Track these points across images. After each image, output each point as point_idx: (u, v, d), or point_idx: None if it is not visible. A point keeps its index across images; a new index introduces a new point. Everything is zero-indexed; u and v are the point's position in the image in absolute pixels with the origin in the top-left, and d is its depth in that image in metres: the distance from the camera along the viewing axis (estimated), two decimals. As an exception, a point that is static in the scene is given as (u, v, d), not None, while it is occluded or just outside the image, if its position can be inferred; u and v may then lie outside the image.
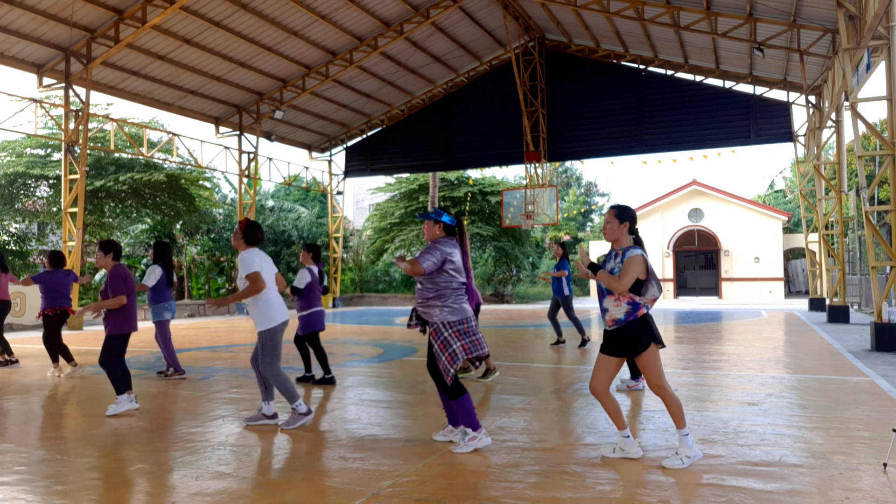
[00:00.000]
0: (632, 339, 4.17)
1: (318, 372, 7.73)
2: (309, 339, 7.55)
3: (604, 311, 4.28)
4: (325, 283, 7.84)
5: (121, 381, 6.07)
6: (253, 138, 23.19)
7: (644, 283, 4.19)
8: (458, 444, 4.59)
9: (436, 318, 4.58)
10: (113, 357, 6.08)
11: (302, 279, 7.38)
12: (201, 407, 6.27)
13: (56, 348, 8.36)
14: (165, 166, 23.77)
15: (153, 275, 8.01)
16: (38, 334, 14.48)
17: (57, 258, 8.83)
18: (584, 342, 10.83)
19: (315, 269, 7.56)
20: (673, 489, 3.74)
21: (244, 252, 5.36)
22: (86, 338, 13.76)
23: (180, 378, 7.97)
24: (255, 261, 5.30)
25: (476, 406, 6.21)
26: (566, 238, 37.22)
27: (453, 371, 4.51)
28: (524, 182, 25.32)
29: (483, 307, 25.93)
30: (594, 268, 4.22)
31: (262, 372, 5.38)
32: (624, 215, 4.31)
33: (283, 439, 4.99)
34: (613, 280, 4.16)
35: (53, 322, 8.45)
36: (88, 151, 18.51)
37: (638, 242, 4.32)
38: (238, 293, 5.25)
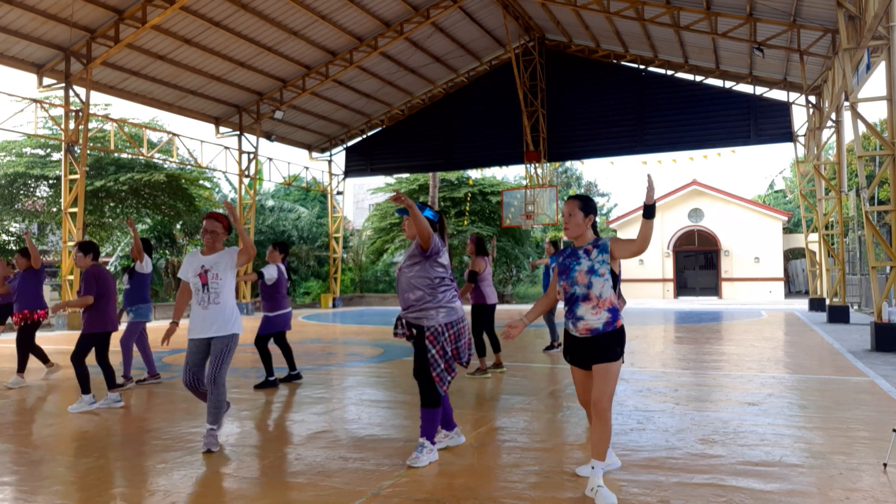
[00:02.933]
0: (604, 350, 3.61)
1: (274, 375, 7.47)
2: (277, 337, 7.50)
3: (577, 318, 3.64)
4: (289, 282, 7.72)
5: (84, 380, 6.11)
6: (253, 138, 23.19)
7: (619, 280, 3.72)
8: (416, 457, 4.21)
9: (433, 320, 4.28)
10: (80, 354, 6.14)
11: (272, 273, 7.32)
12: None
13: (30, 352, 7.93)
14: (165, 166, 23.77)
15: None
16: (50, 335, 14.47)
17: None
18: (552, 346, 10.75)
19: (283, 268, 7.55)
20: (673, 489, 3.74)
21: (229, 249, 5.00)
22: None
23: (130, 386, 7.47)
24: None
25: (476, 406, 6.21)
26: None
27: (450, 379, 4.35)
28: (524, 182, 25.32)
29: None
30: (649, 210, 3.48)
31: (218, 379, 4.67)
32: (589, 207, 3.73)
33: (283, 439, 4.99)
34: (643, 236, 3.52)
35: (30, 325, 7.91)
36: (88, 151, 18.52)
37: (596, 233, 3.79)
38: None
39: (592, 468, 3.60)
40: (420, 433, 4.33)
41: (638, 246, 3.58)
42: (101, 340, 6.29)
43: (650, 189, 3.45)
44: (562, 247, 10.49)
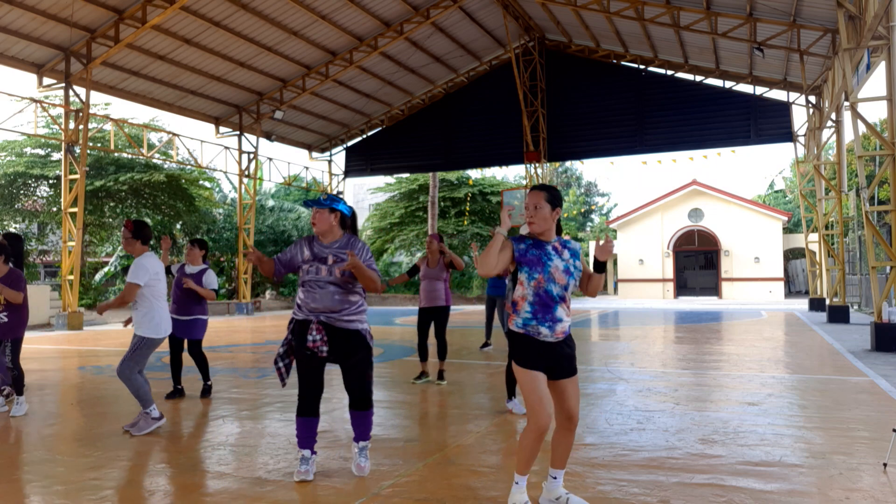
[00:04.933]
0: (573, 357, 3.41)
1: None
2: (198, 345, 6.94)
3: (556, 320, 3.33)
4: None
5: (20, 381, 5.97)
6: (253, 138, 23.19)
7: None
8: (363, 465, 4.09)
9: (364, 324, 4.07)
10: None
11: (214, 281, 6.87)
12: (201, 407, 6.27)
13: None
14: (165, 166, 23.78)
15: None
16: (44, 334, 14.48)
17: None
18: (486, 345, 10.77)
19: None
20: (673, 489, 3.74)
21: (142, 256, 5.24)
22: (85, 338, 13.76)
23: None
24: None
25: (476, 406, 6.21)
26: (566, 238, 37.13)
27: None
28: (524, 182, 25.32)
29: (483, 307, 25.92)
30: (600, 266, 3.42)
31: (120, 373, 5.16)
32: (556, 199, 3.43)
33: (282, 439, 4.99)
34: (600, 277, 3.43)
35: None
36: (88, 151, 18.53)
37: (559, 230, 3.54)
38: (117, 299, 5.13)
39: (554, 478, 3.44)
40: (360, 436, 4.12)
41: (586, 281, 3.50)
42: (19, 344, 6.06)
43: (608, 248, 3.37)
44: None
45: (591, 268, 3.46)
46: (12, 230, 24.66)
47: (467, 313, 20.65)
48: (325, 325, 3.95)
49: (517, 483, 3.31)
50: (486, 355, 10.08)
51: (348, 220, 4.10)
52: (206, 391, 6.80)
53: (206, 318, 6.84)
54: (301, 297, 4.04)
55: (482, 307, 25.93)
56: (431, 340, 7.67)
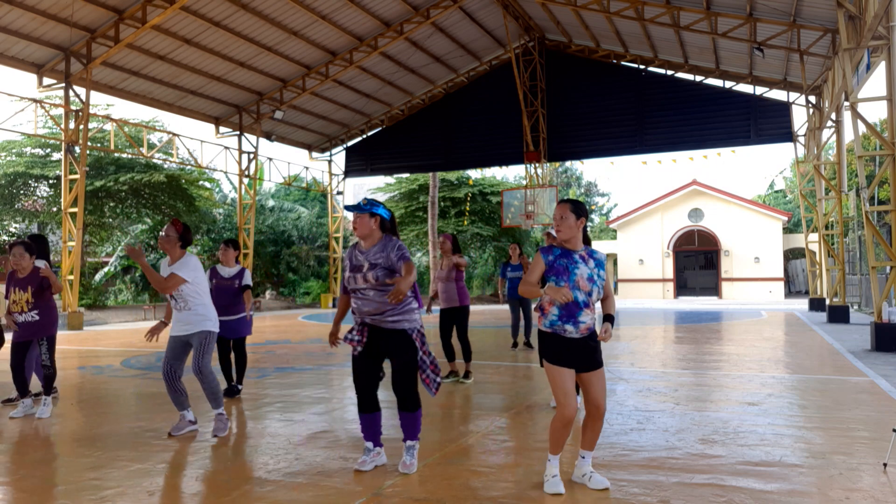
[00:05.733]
0: (598, 352, 3.73)
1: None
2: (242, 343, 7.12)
3: (579, 322, 3.67)
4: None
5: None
6: (253, 138, 23.20)
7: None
8: (409, 463, 4.13)
9: (414, 322, 4.12)
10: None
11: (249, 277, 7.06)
12: (201, 407, 6.27)
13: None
14: (165, 167, 23.78)
15: None
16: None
17: None
18: (516, 345, 10.77)
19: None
20: (673, 489, 3.74)
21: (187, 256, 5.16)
22: (85, 338, 13.76)
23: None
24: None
25: (476, 406, 6.21)
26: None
27: (439, 380, 4.23)
28: (524, 182, 25.32)
29: (483, 307, 25.93)
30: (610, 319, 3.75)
31: (203, 369, 5.17)
32: (580, 210, 3.78)
33: (283, 440, 4.99)
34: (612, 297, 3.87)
35: None
36: (88, 151, 18.53)
37: (587, 241, 3.86)
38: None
39: (583, 457, 3.83)
40: (410, 436, 4.19)
41: (610, 292, 3.88)
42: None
43: (607, 332, 3.68)
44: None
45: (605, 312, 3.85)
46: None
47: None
48: (371, 327, 4.13)
49: (549, 460, 3.79)
50: (491, 355, 10.08)
51: (387, 223, 4.22)
52: (236, 392, 6.83)
53: (246, 315, 6.97)
54: (352, 304, 4.23)
55: (483, 307, 25.94)
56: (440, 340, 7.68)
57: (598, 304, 3.85)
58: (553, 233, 5.47)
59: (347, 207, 4.18)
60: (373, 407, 4.23)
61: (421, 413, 4.21)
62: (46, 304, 5.95)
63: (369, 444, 4.25)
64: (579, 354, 3.68)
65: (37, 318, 5.89)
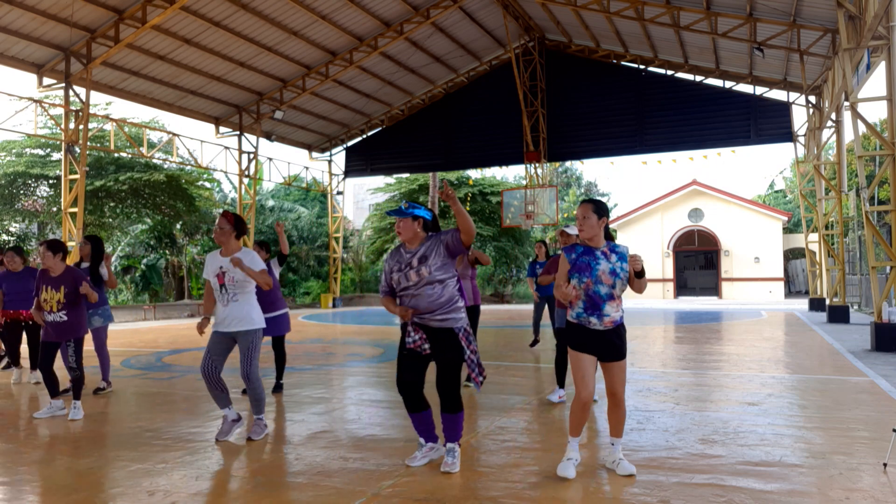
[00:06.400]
0: (621, 344, 3.97)
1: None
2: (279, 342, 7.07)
3: (603, 315, 3.90)
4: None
5: None
6: (253, 138, 23.20)
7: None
8: (450, 462, 4.11)
9: (461, 321, 4.12)
10: None
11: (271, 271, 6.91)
12: (201, 407, 6.27)
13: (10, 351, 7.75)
14: (165, 166, 23.78)
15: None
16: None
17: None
18: (536, 342, 10.73)
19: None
20: (673, 489, 3.74)
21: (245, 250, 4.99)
22: (86, 338, 13.74)
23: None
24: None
25: (476, 406, 6.21)
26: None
27: (483, 378, 4.20)
28: (524, 182, 25.33)
29: (483, 307, 25.94)
30: (638, 274, 3.93)
31: (251, 376, 4.92)
32: (602, 210, 3.99)
33: (283, 439, 4.99)
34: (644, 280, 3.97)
35: (11, 327, 7.64)
36: (88, 151, 18.52)
37: (610, 237, 4.07)
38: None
39: (612, 444, 4.10)
40: (451, 438, 4.15)
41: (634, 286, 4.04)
42: None
43: (635, 262, 3.91)
44: (550, 249, 9.76)
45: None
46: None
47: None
48: (422, 326, 4.11)
49: (569, 442, 4.05)
50: (494, 355, 10.08)
51: (430, 224, 4.20)
52: (279, 388, 6.92)
53: (286, 311, 6.97)
54: (399, 304, 4.20)
55: (493, 307, 25.93)
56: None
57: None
58: (568, 230, 5.56)
59: (389, 212, 4.17)
60: (421, 406, 4.21)
61: (463, 416, 4.17)
62: (78, 306, 5.84)
63: (422, 440, 4.29)
64: (602, 345, 3.94)
65: (65, 318, 5.77)
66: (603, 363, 3.99)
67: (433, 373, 4.18)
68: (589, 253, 3.96)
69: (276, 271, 7.04)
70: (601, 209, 3.98)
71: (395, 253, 4.22)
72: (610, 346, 3.94)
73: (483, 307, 25.90)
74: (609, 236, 4.06)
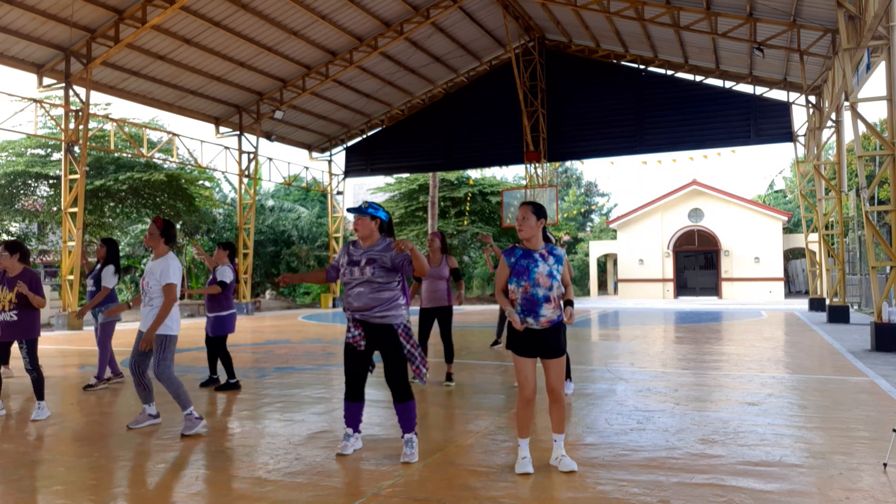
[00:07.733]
0: (558, 342, 4.07)
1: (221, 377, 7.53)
2: (219, 342, 7.20)
3: (540, 315, 4.00)
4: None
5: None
6: (253, 138, 23.20)
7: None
8: (409, 453, 4.33)
9: (401, 318, 4.40)
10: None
11: (227, 274, 7.13)
12: (201, 407, 6.27)
13: None
14: (165, 166, 23.77)
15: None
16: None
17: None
18: (497, 343, 10.83)
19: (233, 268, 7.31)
20: (673, 489, 3.74)
21: (167, 257, 5.22)
22: (85, 338, 13.75)
23: (119, 381, 7.54)
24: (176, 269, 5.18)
25: (476, 406, 6.22)
26: (566, 238, 37.26)
27: (426, 371, 4.49)
28: (524, 182, 25.33)
29: (483, 307, 25.93)
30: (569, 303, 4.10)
31: (161, 375, 5.13)
32: (541, 212, 4.12)
33: (282, 439, 4.99)
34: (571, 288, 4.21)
35: None
36: (88, 151, 18.52)
37: (547, 239, 4.21)
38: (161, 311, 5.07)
39: (555, 441, 4.17)
40: (406, 429, 4.42)
41: (568, 282, 4.20)
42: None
43: (571, 317, 4.06)
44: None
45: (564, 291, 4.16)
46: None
47: (468, 313, 20.65)
48: (362, 322, 4.39)
49: (520, 444, 4.14)
50: (490, 355, 10.08)
51: (385, 225, 4.49)
52: (212, 383, 7.32)
53: (217, 314, 7.14)
54: (344, 298, 4.52)
55: (482, 307, 25.94)
56: (432, 340, 7.64)
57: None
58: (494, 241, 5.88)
59: (350, 210, 4.43)
60: (359, 397, 4.53)
61: (414, 404, 4.45)
62: (32, 307, 5.77)
63: (349, 430, 4.58)
64: (540, 344, 4.04)
65: (14, 318, 5.73)
66: (542, 360, 4.09)
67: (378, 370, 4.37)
68: (527, 256, 4.08)
69: (230, 277, 7.25)
70: (540, 211, 4.13)
71: (351, 245, 4.52)
72: (547, 344, 4.04)
73: (483, 307, 25.91)
74: (547, 238, 4.21)
